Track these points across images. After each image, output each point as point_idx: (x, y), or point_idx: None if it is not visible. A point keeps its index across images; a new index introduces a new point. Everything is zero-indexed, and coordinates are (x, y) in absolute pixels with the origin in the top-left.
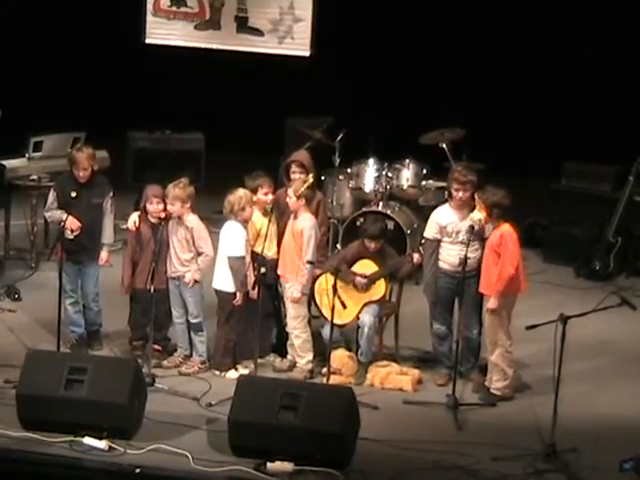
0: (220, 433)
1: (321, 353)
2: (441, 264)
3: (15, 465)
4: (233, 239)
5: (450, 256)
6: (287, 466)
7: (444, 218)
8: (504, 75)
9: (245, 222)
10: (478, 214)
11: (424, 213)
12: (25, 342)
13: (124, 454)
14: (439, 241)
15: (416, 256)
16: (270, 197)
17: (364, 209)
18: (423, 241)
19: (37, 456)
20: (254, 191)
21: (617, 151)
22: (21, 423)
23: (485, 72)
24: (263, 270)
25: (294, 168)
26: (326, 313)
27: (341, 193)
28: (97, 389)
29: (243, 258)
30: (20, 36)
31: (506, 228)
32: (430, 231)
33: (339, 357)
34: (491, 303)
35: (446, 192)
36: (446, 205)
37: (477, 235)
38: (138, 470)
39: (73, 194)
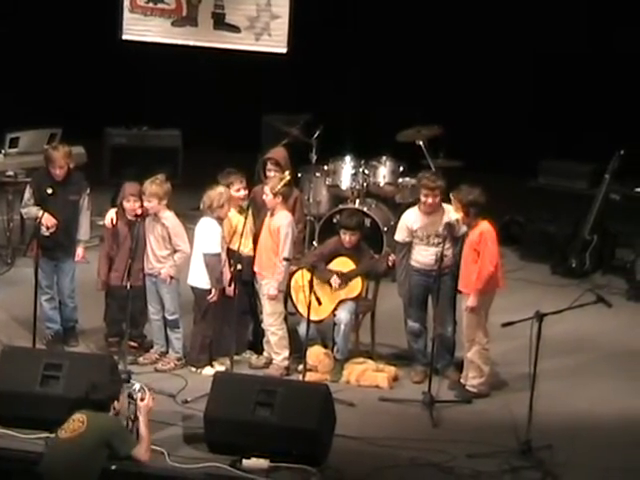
0: (196, 430)
1: (297, 350)
2: (413, 262)
3: None
4: (208, 236)
5: (422, 256)
6: (263, 463)
7: (414, 222)
8: (481, 72)
9: (220, 219)
10: (455, 214)
11: (401, 210)
12: (0, 338)
13: None
14: (410, 243)
15: (392, 256)
16: (242, 193)
17: (341, 206)
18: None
19: (12, 452)
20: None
21: (594, 149)
22: None
23: (462, 69)
24: (239, 267)
25: (269, 166)
26: (302, 309)
27: (318, 190)
28: (73, 386)
29: (218, 255)
30: None
31: (485, 226)
32: (401, 235)
33: (315, 354)
34: (470, 301)
35: None
36: (415, 209)
37: (449, 234)
38: (114, 467)
39: (49, 191)
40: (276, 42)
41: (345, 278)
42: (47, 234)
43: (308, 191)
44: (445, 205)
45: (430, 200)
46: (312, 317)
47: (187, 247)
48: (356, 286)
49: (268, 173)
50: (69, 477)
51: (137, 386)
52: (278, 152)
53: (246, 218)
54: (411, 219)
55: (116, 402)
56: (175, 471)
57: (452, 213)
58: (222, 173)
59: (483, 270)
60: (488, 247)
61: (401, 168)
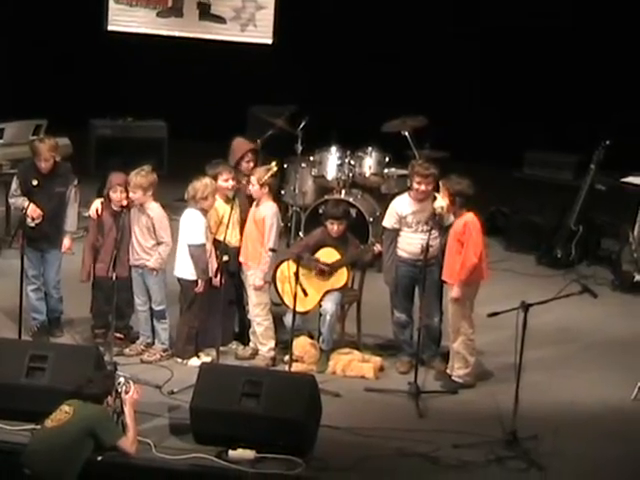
0: (182, 421)
1: (283, 341)
2: (400, 252)
3: None
4: (193, 227)
5: (410, 245)
6: (249, 453)
7: (404, 208)
8: (467, 63)
9: (204, 211)
10: (441, 201)
11: (386, 201)
12: None
13: None
14: (398, 230)
15: (378, 246)
16: (230, 184)
17: (326, 197)
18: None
19: None
20: (214, 178)
21: (579, 139)
22: None
23: (448, 60)
24: (226, 258)
25: (250, 157)
26: (287, 300)
27: (303, 181)
28: (59, 377)
29: (203, 246)
30: None
31: (470, 217)
32: (389, 221)
33: (301, 345)
34: (454, 292)
35: (409, 181)
36: (405, 195)
37: (436, 223)
38: (100, 458)
39: (34, 182)
40: (262, 33)
41: (331, 268)
42: (32, 225)
43: (294, 182)
44: (435, 194)
45: (423, 187)
46: (298, 308)
47: (170, 240)
48: (342, 276)
49: (247, 164)
50: (49, 465)
51: (122, 379)
52: (244, 143)
53: (232, 209)
54: (401, 205)
55: (109, 397)
56: (161, 462)
57: (439, 200)
58: (210, 164)
59: (467, 261)
60: (472, 238)
61: (387, 159)
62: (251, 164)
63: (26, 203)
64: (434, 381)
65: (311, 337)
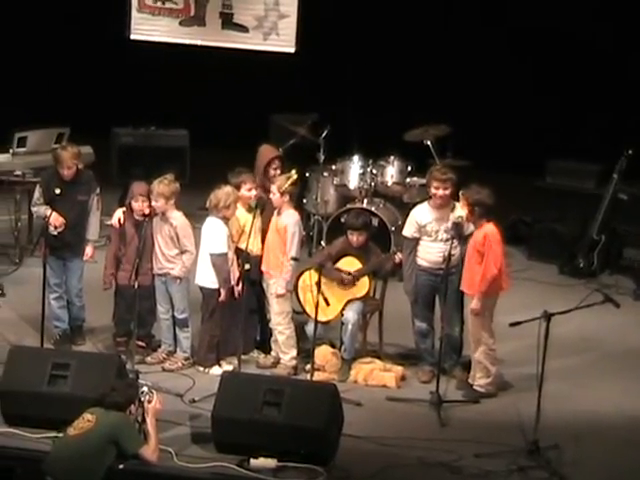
0: (203, 429)
1: (305, 349)
2: (420, 261)
3: None
4: (215, 236)
5: (429, 254)
6: (270, 462)
7: (423, 217)
8: (489, 72)
9: (226, 219)
10: (460, 211)
11: (408, 210)
12: (9, 338)
13: None
14: (418, 239)
15: (400, 255)
16: (253, 193)
17: (348, 206)
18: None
19: (20, 452)
20: (237, 187)
21: (601, 149)
22: (4, 419)
23: (470, 69)
24: (247, 266)
25: (276, 164)
26: (309, 310)
27: (325, 190)
28: (80, 385)
29: (225, 255)
30: (2, 31)
31: (490, 228)
32: (409, 230)
33: (323, 354)
34: (474, 304)
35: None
36: (425, 204)
37: (456, 233)
38: (121, 466)
39: (57, 191)
40: (284, 42)
41: (353, 277)
42: (55, 233)
43: (316, 191)
44: (455, 203)
45: (441, 192)
46: (320, 317)
47: (193, 248)
48: (363, 286)
49: (274, 171)
50: (71, 473)
51: (145, 388)
52: (271, 150)
53: (254, 217)
54: (420, 214)
55: (132, 406)
56: (182, 471)
57: (458, 210)
58: (233, 172)
59: (487, 273)
60: (492, 250)
61: (409, 168)
62: (278, 171)
63: (48, 211)
64: (456, 390)
65: (333, 346)
